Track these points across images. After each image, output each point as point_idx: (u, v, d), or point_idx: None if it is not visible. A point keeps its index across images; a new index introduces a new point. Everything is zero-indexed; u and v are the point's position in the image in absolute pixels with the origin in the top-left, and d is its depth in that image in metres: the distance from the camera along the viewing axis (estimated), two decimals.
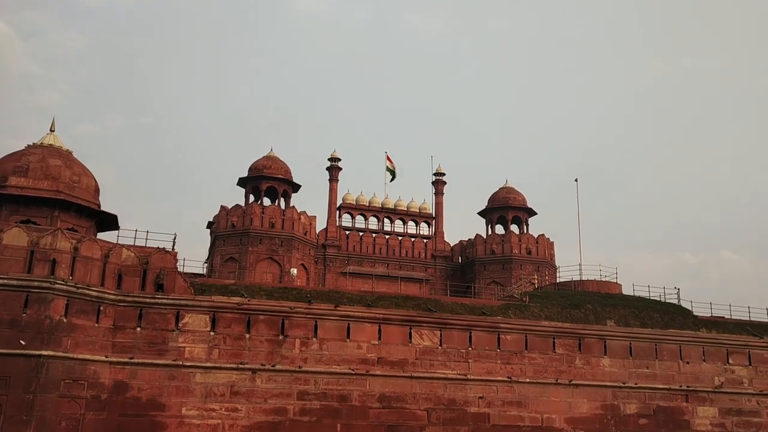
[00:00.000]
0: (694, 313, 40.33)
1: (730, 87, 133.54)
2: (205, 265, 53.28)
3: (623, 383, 35.45)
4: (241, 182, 55.90)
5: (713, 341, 37.94)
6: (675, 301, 41.43)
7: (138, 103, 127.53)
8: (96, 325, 28.90)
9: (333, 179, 59.93)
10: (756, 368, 38.16)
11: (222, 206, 53.81)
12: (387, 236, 60.51)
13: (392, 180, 62.45)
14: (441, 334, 33.68)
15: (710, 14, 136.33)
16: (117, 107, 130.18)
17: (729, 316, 41.59)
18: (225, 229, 52.68)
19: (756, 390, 37.64)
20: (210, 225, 56.47)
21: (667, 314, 38.94)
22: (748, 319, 41.48)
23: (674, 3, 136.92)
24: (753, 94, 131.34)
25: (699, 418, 36.27)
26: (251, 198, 55.34)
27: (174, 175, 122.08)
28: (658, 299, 41.52)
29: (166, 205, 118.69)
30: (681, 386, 36.39)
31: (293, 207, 54.66)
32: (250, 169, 55.83)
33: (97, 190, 35.14)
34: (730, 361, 37.87)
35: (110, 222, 35.15)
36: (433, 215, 62.73)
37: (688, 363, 37.00)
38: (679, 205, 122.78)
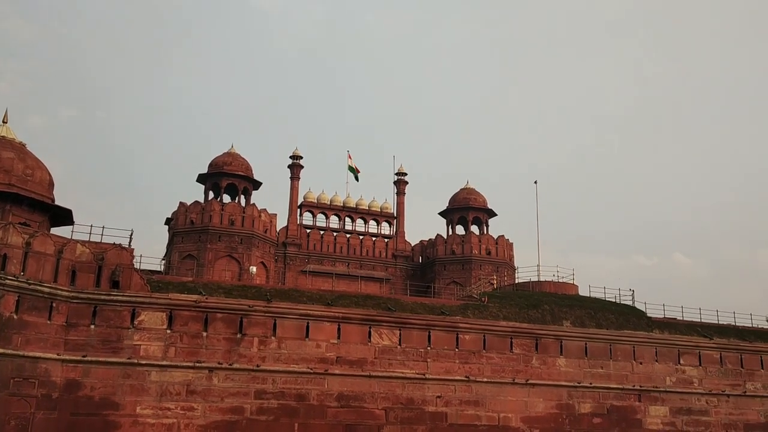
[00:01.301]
0: (648, 315, 41.20)
1: (687, 92, 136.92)
2: (163, 262, 52.50)
3: (578, 383, 35.99)
4: (201, 178, 55.22)
5: (665, 342, 38.78)
6: (629, 303, 42.29)
7: (91, 96, 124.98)
8: (48, 322, 28.18)
9: (294, 177, 59.62)
10: (706, 368, 39.13)
11: (181, 202, 53.10)
12: (348, 235, 60.47)
13: (357, 180, 62.50)
14: (400, 334, 33.74)
15: (672, 22, 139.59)
16: (69, 99, 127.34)
17: (681, 318, 42.61)
18: (184, 226, 52.00)
19: (705, 390, 38.59)
20: (168, 221, 55.69)
21: (621, 315, 39.70)
22: (699, 320, 42.55)
23: (641, 11, 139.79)
24: (710, 98, 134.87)
25: (651, 417, 37.04)
26: (211, 195, 54.72)
27: (131, 170, 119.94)
28: (614, 300, 42.32)
29: (123, 201, 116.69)
30: (634, 386, 37.11)
31: (253, 204, 54.24)
32: (210, 166, 55.20)
33: (51, 184, 34.31)
34: (681, 361, 38.76)
35: (64, 217, 34.36)
36: (395, 215, 62.89)
37: (641, 363, 37.74)
38: (634, 208, 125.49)
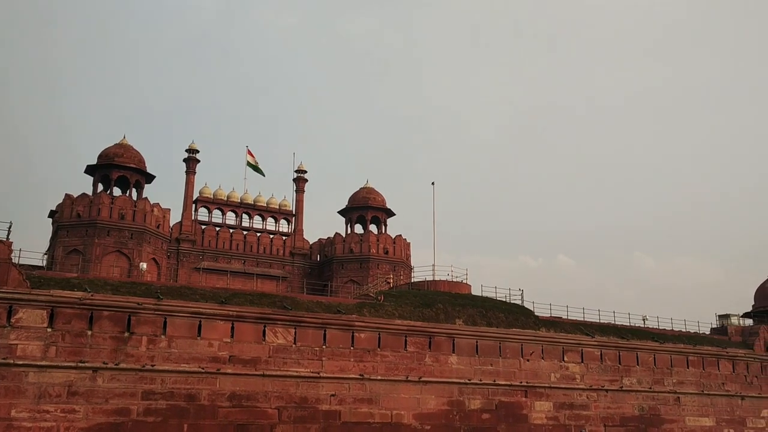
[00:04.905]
0: (536, 314, 42.79)
1: (581, 98, 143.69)
2: (45, 257, 49.71)
3: (469, 380, 36.95)
4: (90, 170, 52.74)
5: (551, 340, 40.45)
6: (519, 302, 43.73)
7: None
8: None
9: (190, 171, 58.06)
10: (587, 365, 41.15)
11: (67, 194, 50.50)
12: (245, 232, 59.49)
13: (264, 174, 61.56)
14: (295, 332, 33.48)
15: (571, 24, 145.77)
16: None
17: (566, 317, 44.54)
18: (69, 219, 49.50)
19: (586, 385, 40.58)
20: (53, 214, 52.82)
21: (511, 314, 41.03)
22: (582, 319, 44.66)
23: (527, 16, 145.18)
24: (600, 106, 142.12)
25: (536, 412, 38.54)
26: (100, 187, 52.37)
27: (11, 158, 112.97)
28: (504, 300, 43.64)
29: (2, 191, 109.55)
30: (521, 382, 38.49)
31: (146, 198, 52.33)
32: (100, 157, 52.82)
33: None
34: (566, 358, 40.58)
35: None
36: (293, 212, 62.46)
37: (528, 360, 39.21)
38: (521, 211, 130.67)
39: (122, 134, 55.50)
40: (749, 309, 54.96)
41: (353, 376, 34.06)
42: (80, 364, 28.63)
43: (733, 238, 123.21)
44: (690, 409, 43.80)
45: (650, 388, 42.68)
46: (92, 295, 29.81)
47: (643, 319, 48.22)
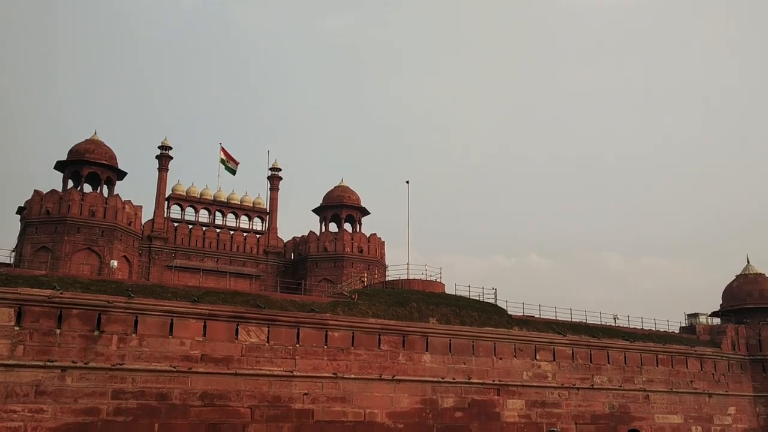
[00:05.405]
0: (509, 312, 43.05)
1: (558, 101, 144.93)
2: (13, 254, 48.80)
3: (442, 378, 37.10)
4: (60, 166, 51.87)
5: (523, 339, 40.75)
6: (492, 301, 43.98)
7: None
8: None
9: (163, 168, 57.42)
10: (559, 363, 41.55)
11: (36, 191, 49.64)
12: (218, 230, 59.03)
13: (234, 173, 61.01)
14: (269, 331, 33.33)
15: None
16: None
17: (538, 316, 44.88)
18: (38, 216, 48.66)
19: (558, 384, 40.99)
20: (21, 210, 51.91)
21: (484, 313, 41.25)
22: (554, 318, 45.05)
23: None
24: (575, 104, 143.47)
25: (508, 411, 38.83)
26: (70, 183, 51.54)
27: None
28: (477, 299, 43.84)
29: None
30: (494, 381, 38.75)
31: (117, 195, 51.65)
32: (70, 153, 51.97)
33: None
34: (538, 357, 40.93)
35: None
36: (267, 210, 62.12)
37: (501, 359, 39.48)
38: (494, 211, 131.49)
39: (93, 130, 54.63)
40: (717, 308, 55.89)
41: (327, 374, 34.00)
42: (48, 363, 28.19)
43: (701, 239, 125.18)
44: (659, 406, 44.48)
45: (620, 386, 43.24)
46: (61, 293, 29.38)
47: (614, 318, 48.81)
